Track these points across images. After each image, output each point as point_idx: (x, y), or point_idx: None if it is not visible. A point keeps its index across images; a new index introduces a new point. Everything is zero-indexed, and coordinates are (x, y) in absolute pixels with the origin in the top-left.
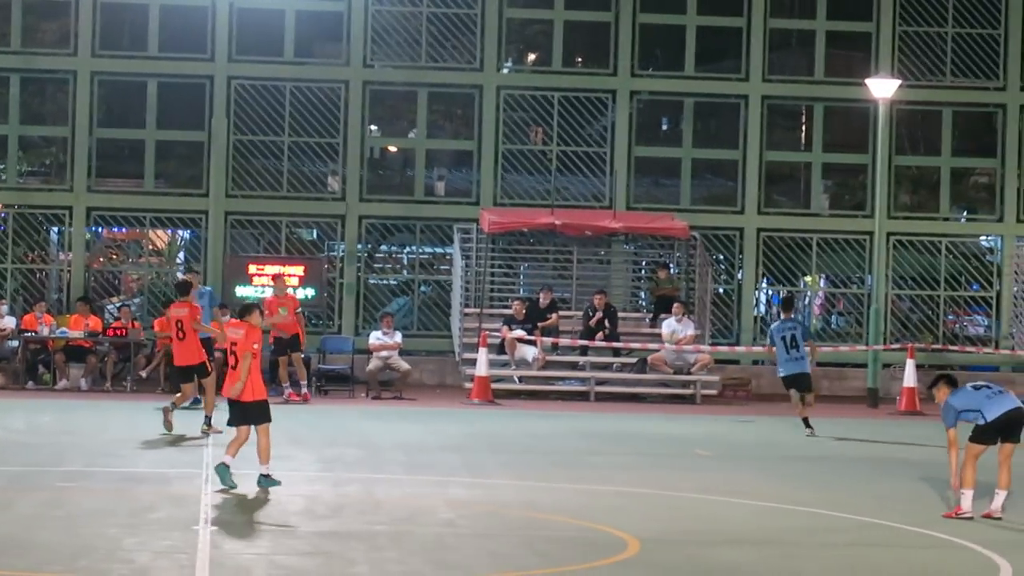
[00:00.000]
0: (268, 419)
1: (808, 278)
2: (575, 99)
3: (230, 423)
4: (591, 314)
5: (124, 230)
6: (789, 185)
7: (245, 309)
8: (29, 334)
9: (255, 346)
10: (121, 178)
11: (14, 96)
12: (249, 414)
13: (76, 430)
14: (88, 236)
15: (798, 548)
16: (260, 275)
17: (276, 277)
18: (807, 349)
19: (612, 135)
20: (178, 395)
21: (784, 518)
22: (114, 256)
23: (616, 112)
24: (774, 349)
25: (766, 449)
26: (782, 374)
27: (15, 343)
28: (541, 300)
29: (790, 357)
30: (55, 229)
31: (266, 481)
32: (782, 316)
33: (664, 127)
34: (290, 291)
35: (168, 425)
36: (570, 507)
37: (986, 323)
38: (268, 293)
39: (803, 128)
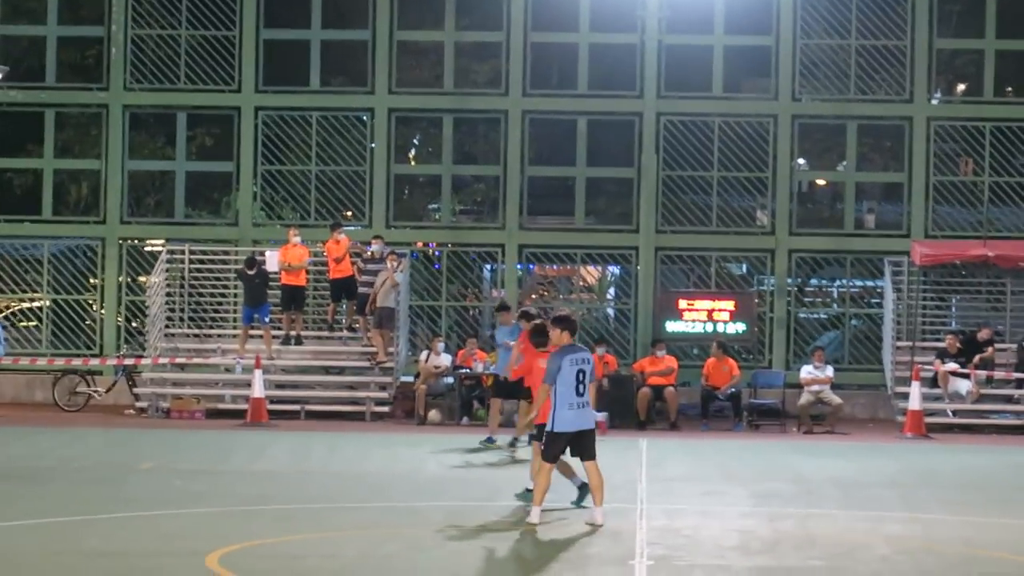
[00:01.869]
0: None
1: None
2: (1006, 128)
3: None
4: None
5: (556, 267)
6: None
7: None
8: (464, 371)
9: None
10: (552, 215)
11: (447, 137)
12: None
13: (509, 466)
14: (520, 273)
15: None
16: (690, 310)
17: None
18: None
19: None
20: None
21: None
22: (545, 292)
23: None
24: None
25: None
26: None
27: (450, 380)
28: (980, 336)
29: None
30: (488, 267)
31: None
32: None
33: None
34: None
35: None
36: (1011, 543)
37: None
38: (697, 328)
39: None
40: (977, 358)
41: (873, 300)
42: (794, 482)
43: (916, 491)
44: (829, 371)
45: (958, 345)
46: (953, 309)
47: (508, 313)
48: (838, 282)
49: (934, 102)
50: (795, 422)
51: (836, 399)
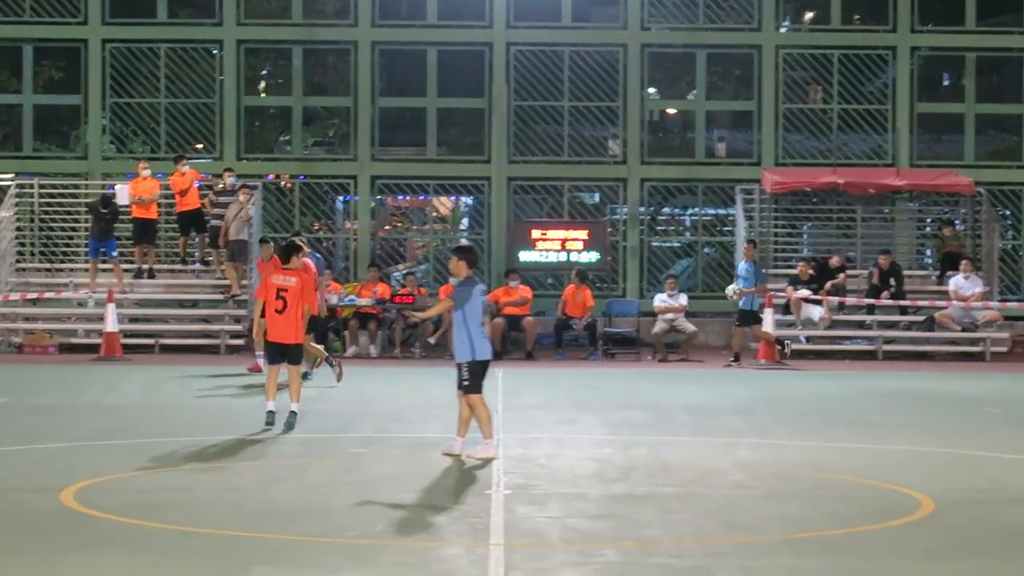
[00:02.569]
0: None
1: None
2: (854, 56)
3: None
4: (875, 272)
5: (408, 198)
6: None
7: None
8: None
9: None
10: (404, 146)
11: (297, 68)
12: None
13: (366, 397)
14: (373, 204)
15: None
16: (544, 240)
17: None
18: None
19: (893, 92)
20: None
21: None
22: (399, 224)
23: (897, 68)
24: None
25: None
26: None
27: None
28: (832, 263)
29: None
30: (341, 198)
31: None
32: None
33: (946, 82)
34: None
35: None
36: (860, 467)
37: None
38: (550, 257)
39: None
40: (829, 284)
41: (725, 228)
42: (648, 410)
43: (768, 417)
44: (683, 299)
45: (810, 272)
46: (804, 236)
47: (269, 246)
48: (690, 210)
49: (782, 30)
50: (650, 350)
51: (690, 327)
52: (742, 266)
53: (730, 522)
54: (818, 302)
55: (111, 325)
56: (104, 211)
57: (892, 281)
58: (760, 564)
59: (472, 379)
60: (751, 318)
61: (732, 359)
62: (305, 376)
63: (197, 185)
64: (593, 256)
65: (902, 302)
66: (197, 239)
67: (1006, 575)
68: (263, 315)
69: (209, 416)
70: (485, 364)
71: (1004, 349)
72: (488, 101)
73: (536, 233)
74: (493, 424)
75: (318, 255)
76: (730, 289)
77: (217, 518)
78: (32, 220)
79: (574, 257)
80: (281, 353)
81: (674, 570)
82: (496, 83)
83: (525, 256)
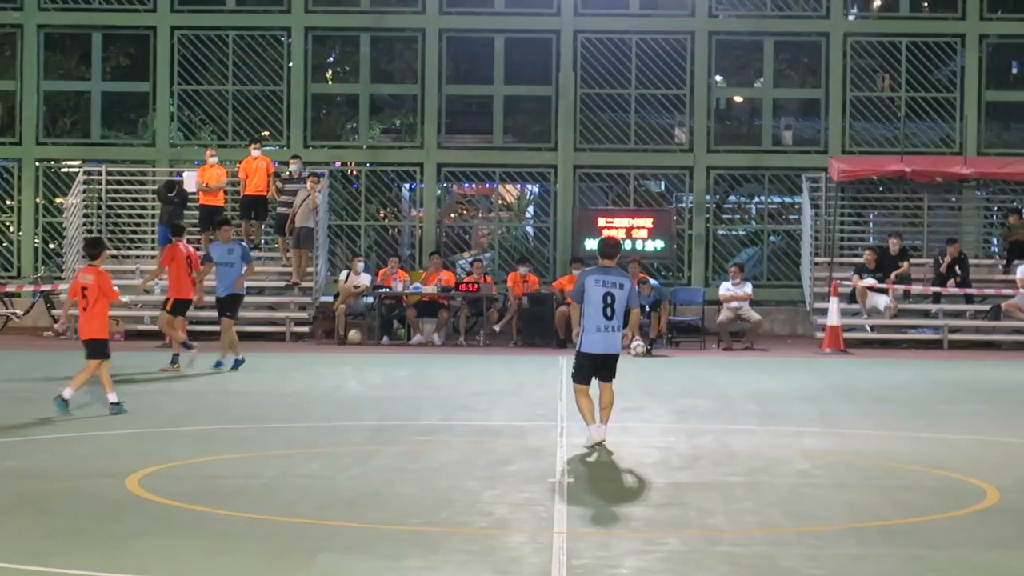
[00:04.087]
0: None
1: None
2: (923, 44)
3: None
4: (941, 261)
5: (474, 185)
6: None
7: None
8: (384, 290)
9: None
10: (470, 134)
11: (364, 55)
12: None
13: (431, 384)
14: (439, 192)
15: None
16: (609, 227)
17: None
18: None
19: (961, 80)
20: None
21: None
22: (464, 211)
23: (965, 56)
24: None
25: None
26: None
27: (370, 299)
28: (891, 247)
29: None
30: (407, 186)
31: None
32: None
33: (1015, 70)
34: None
35: None
36: (927, 456)
37: None
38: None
39: None
40: (894, 274)
41: (791, 216)
42: (714, 398)
43: (834, 406)
44: (748, 288)
45: (875, 260)
46: (871, 225)
47: (228, 229)
48: (756, 199)
49: (851, 18)
50: (714, 339)
51: (755, 315)
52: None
53: (795, 511)
54: (884, 291)
55: None
56: (171, 195)
57: (958, 270)
58: (825, 553)
59: (576, 370)
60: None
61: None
62: (218, 365)
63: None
64: (659, 244)
65: (968, 290)
66: (255, 225)
67: None
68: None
69: (275, 403)
70: (589, 356)
71: None
72: (555, 89)
73: (602, 221)
74: (590, 412)
75: (243, 243)
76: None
77: (283, 505)
78: (99, 207)
79: (639, 245)
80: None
81: (737, 558)
82: (563, 71)
83: (591, 244)
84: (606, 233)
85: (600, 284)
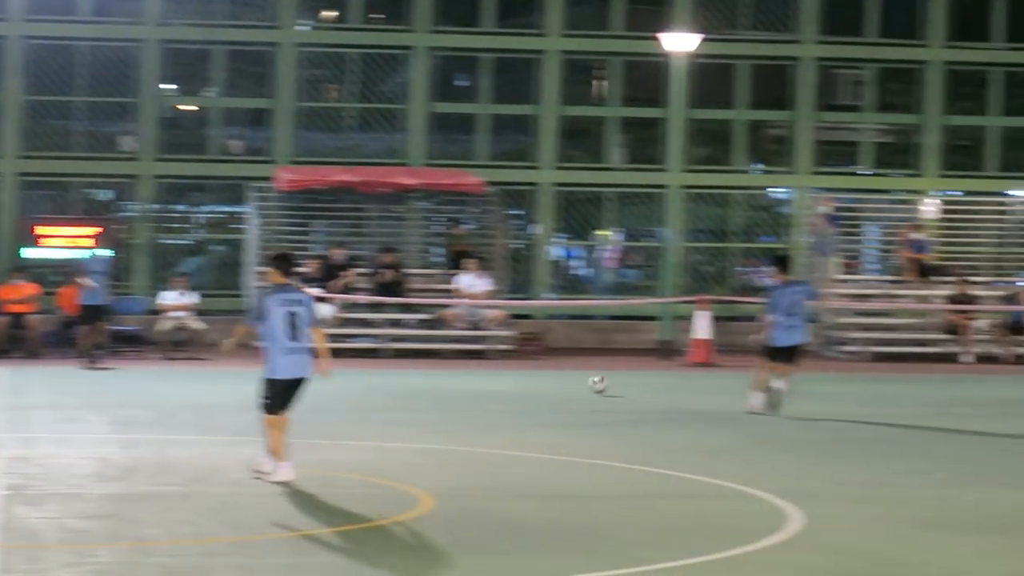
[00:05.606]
0: None
1: (603, 232)
2: (373, 56)
3: None
4: (381, 271)
5: None
6: (585, 140)
7: None
8: None
9: None
10: None
11: None
12: None
13: None
14: None
15: (592, 501)
16: (51, 237)
17: None
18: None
19: (409, 91)
20: None
21: (578, 471)
22: None
23: (414, 68)
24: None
25: (559, 403)
26: (779, 344)
27: None
28: (334, 258)
29: (791, 324)
30: None
31: None
32: (781, 279)
33: (461, 83)
34: None
35: None
36: (363, 464)
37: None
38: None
39: (600, 83)
40: (340, 283)
41: (236, 226)
42: (153, 408)
43: None
44: (192, 297)
45: (320, 270)
46: (317, 234)
47: None
48: (203, 208)
49: (301, 28)
50: (157, 348)
51: (199, 325)
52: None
53: (230, 521)
54: (328, 300)
55: None
56: None
57: (396, 278)
58: (258, 563)
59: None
60: None
61: None
62: None
63: None
64: (106, 253)
65: (409, 300)
66: None
67: (500, 570)
68: None
69: None
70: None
71: (509, 347)
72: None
73: (43, 230)
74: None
75: None
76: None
77: None
78: None
79: (86, 254)
80: None
81: (171, 569)
82: (9, 77)
83: (31, 253)
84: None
85: (284, 303)
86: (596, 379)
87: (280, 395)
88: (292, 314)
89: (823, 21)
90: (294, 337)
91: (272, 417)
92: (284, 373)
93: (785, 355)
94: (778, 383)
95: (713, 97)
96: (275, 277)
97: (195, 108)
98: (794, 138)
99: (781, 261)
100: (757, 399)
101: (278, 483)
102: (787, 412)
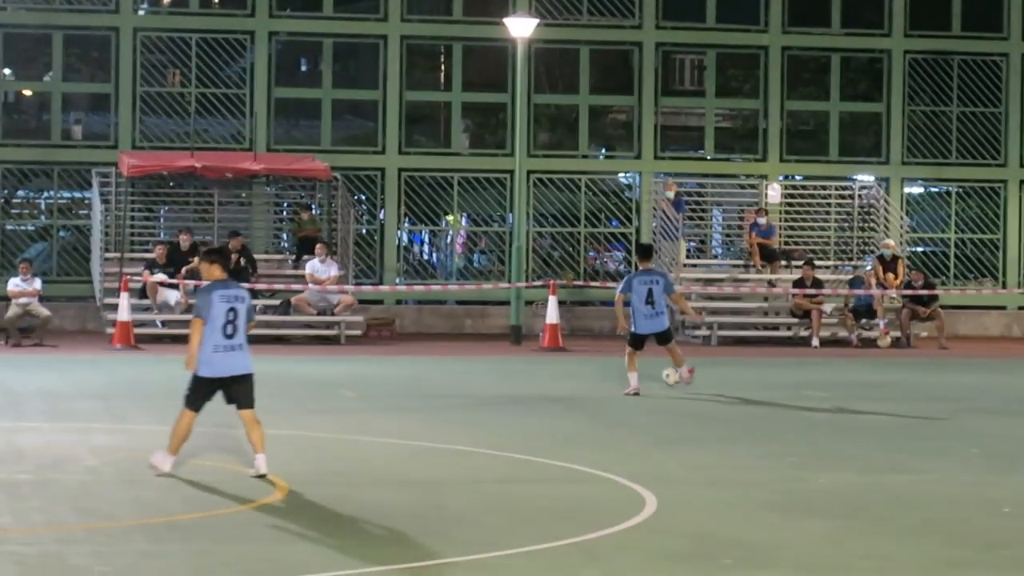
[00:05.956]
0: None
1: (450, 217)
2: (213, 40)
3: None
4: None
5: None
6: (429, 125)
7: None
8: None
9: None
10: None
11: None
12: None
13: None
14: None
15: (445, 486)
16: None
17: None
18: (669, 303)
19: (251, 76)
20: None
21: (431, 457)
22: None
23: (255, 53)
24: (624, 299)
25: (411, 389)
26: (637, 332)
27: None
28: (182, 243)
29: (648, 313)
30: None
31: None
32: (640, 266)
33: (304, 68)
34: None
35: None
36: (217, 451)
37: (625, 258)
38: None
39: (443, 68)
40: (185, 269)
41: (82, 212)
42: (1, 396)
43: (123, 402)
44: (37, 283)
45: (165, 255)
46: (162, 220)
47: None
48: (46, 193)
49: (140, 12)
50: (3, 335)
51: (44, 311)
52: None
53: (84, 508)
54: (175, 286)
55: None
56: None
57: (242, 261)
58: (113, 550)
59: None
60: None
61: None
62: None
63: None
64: None
65: (258, 285)
66: None
67: (362, 554)
68: None
69: None
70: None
71: (359, 332)
72: None
73: None
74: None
75: None
76: None
77: None
78: None
79: None
80: None
81: (25, 558)
82: None
83: None
84: None
85: (224, 299)
86: (670, 371)
87: (200, 392)
88: (232, 310)
89: (664, 6)
90: (231, 335)
91: (187, 411)
92: (211, 371)
93: (642, 343)
94: (675, 372)
95: (557, 82)
96: (214, 272)
97: (36, 93)
98: (638, 123)
99: (645, 249)
100: (633, 379)
101: (160, 475)
102: (639, 398)
